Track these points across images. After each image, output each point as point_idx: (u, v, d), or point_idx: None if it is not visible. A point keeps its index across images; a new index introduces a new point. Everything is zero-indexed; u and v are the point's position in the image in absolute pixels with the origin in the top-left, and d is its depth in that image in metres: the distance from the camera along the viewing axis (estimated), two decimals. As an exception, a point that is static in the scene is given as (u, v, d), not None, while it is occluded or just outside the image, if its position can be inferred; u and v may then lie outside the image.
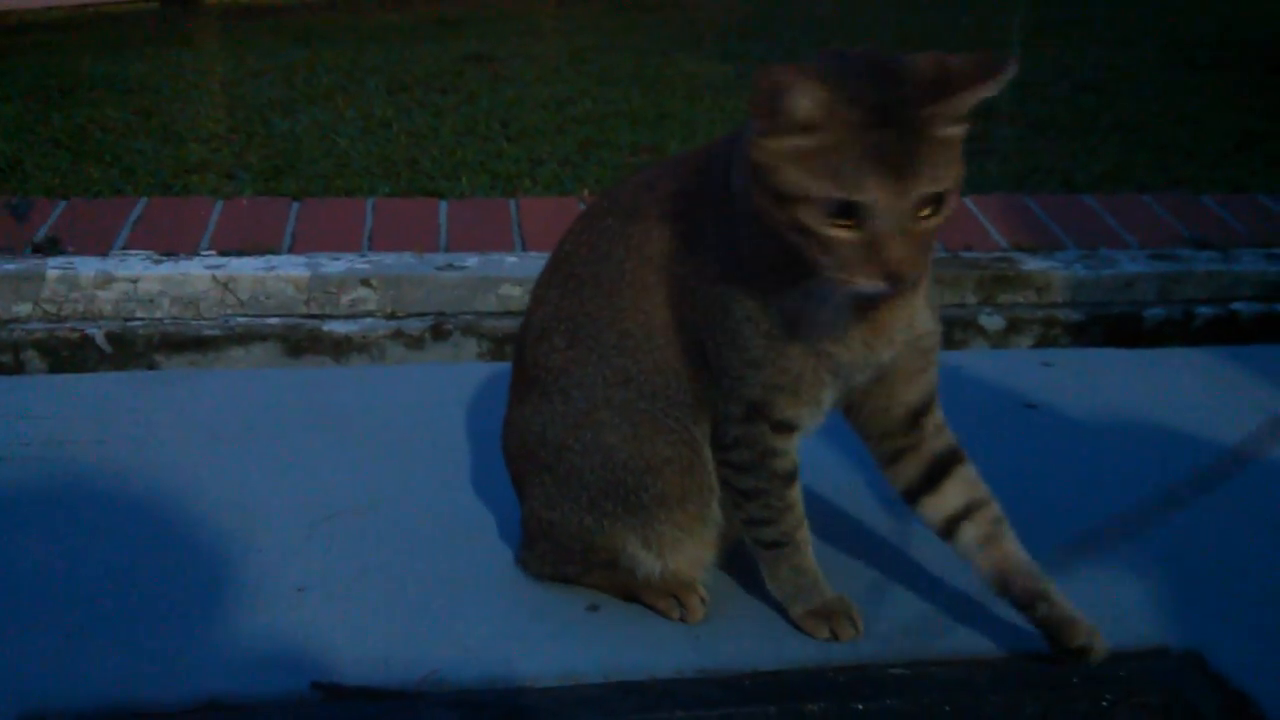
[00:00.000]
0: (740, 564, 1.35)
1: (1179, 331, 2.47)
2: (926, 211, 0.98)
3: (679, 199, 1.18)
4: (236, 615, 1.27)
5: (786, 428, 1.18)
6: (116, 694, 1.14)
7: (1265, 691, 1.13)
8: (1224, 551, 1.42)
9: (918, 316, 1.15)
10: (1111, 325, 2.45)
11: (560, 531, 1.26)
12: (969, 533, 1.23)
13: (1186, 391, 1.93)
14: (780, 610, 1.26)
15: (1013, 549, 1.23)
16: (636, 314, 1.19)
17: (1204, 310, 2.48)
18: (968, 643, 1.23)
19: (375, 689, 1.15)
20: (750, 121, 1.02)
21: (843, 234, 0.98)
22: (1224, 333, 2.48)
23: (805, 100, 0.95)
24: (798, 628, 1.24)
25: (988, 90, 0.97)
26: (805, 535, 1.24)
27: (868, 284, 0.99)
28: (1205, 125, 3.93)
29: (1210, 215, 2.82)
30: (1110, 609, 1.29)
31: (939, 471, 1.24)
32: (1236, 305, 2.50)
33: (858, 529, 1.47)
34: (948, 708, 1.11)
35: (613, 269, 1.20)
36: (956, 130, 0.99)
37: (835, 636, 1.23)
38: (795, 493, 1.22)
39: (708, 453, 1.22)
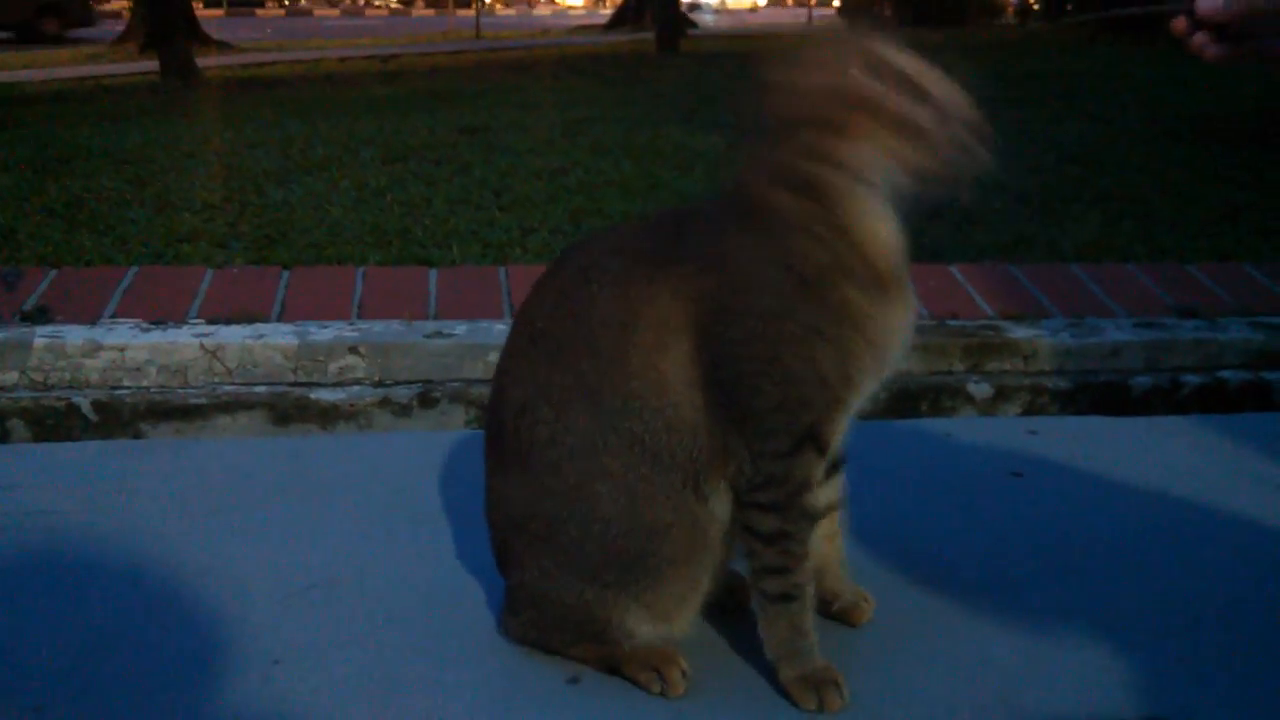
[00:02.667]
0: (716, 635, 1.34)
1: (1166, 400, 2.48)
2: None
3: (690, 256, 1.19)
4: (212, 689, 1.25)
5: (825, 449, 1.21)
6: (85, 769, 1.11)
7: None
8: (1202, 619, 1.41)
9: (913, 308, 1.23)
10: (1099, 393, 2.46)
11: (555, 603, 1.25)
12: (822, 527, 1.30)
13: (1174, 460, 1.93)
14: (768, 673, 1.24)
15: (840, 545, 1.37)
16: (647, 374, 1.18)
17: (1190, 378, 2.50)
18: (946, 714, 1.21)
19: (350, 764, 1.12)
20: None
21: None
22: (1211, 401, 2.48)
23: None
24: (785, 693, 1.22)
25: None
26: (812, 592, 1.23)
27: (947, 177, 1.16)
28: (1189, 196, 3.99)
29: (1196, 284, 2.85)
30: (1092, 677, 1.27)
31: (833, 468, 1.31)
32: (1223, 373, 2.52)
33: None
34: (932, 783, 1.09)
35: (613, 335, 1.19)
36: None
37: (823, 707, 1.21)
38: (813, 540, 1.23)
39: (710, 508, 1.22)
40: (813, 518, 1.22)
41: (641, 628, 1.23)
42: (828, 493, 1.31)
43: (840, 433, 1.23)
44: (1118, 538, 1.62)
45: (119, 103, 6.76)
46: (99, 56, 11.78)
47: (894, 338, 1.19)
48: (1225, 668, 1.30)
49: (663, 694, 1.24)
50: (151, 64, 9.28)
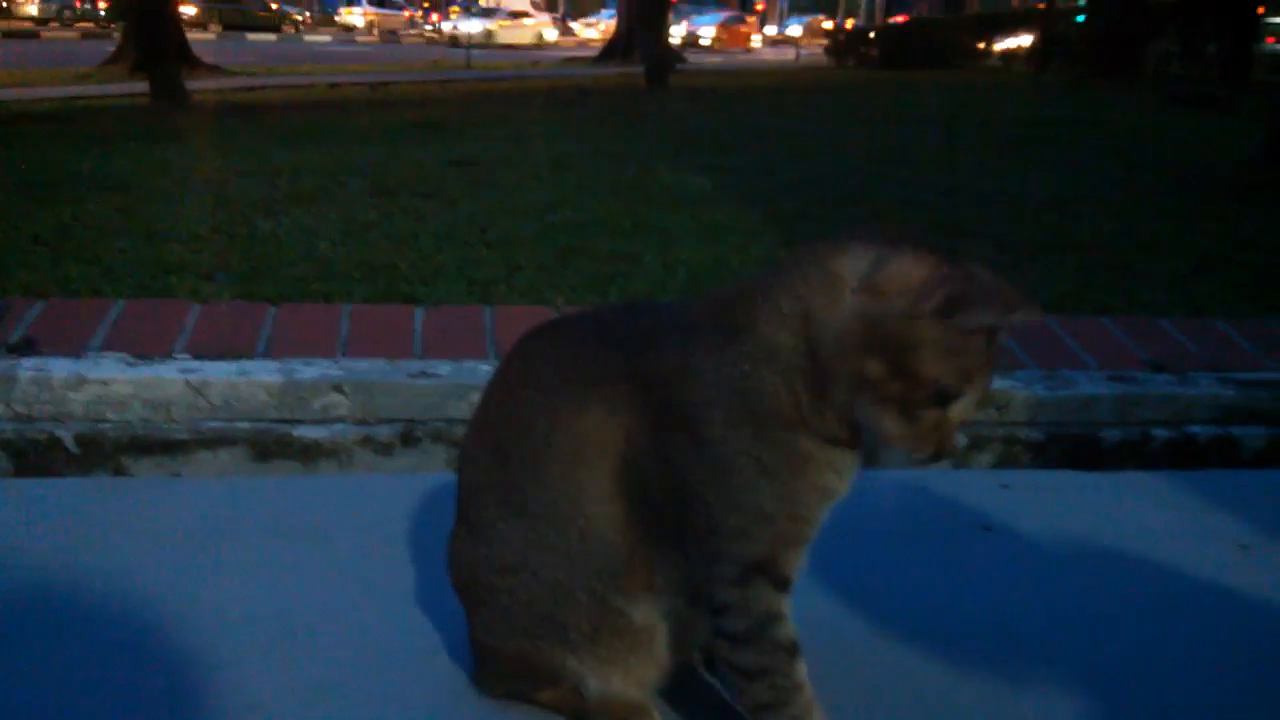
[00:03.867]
0: (690, 692, 1.36)
1: (1136, 452, 2.53)
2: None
3: (637, 371, 1.17)
4: (189, 732, 1.26)
5: (785, 584, 1.17)
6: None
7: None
8: (1168, 677, 1.44)
9: None
10: (1070, 445, 2.50)
11: (501, 655, 1.29)
12: None
13: (1142, 518, 1.97)
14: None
15: None
16: (566, 487, 1.19)
17: (1160, 432, 2.54)
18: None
19: (324, 812, 1.14)
20: (876, 299, 1.06)
21: (929, 414, 1.08)
22: (1180, 455, 2.53)
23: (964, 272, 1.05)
24: None
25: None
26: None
27: (922, 455, 1.10)
28: (1164, 247, 4.07)
29: (1168, 338, 2.90)
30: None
31: None
32: (1192, 428, 2.57)
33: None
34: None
35: (537, 443, 1.21)
36: None
37: None
38: (802, 671, 1.18)
39: (629, 612, 1.21)
40: (791, 651, 1.17)
41: (587, 679, 1.25)
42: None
43: (796, 567, 1.17)
44: (1083, 597, 1.66)
45: (108, 125, 6.78)
46: (87, 77, 11.80)
47: (844, 482, 1.16)
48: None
49: (635, 745, 1.27)
50: (141, 86, 9.31)
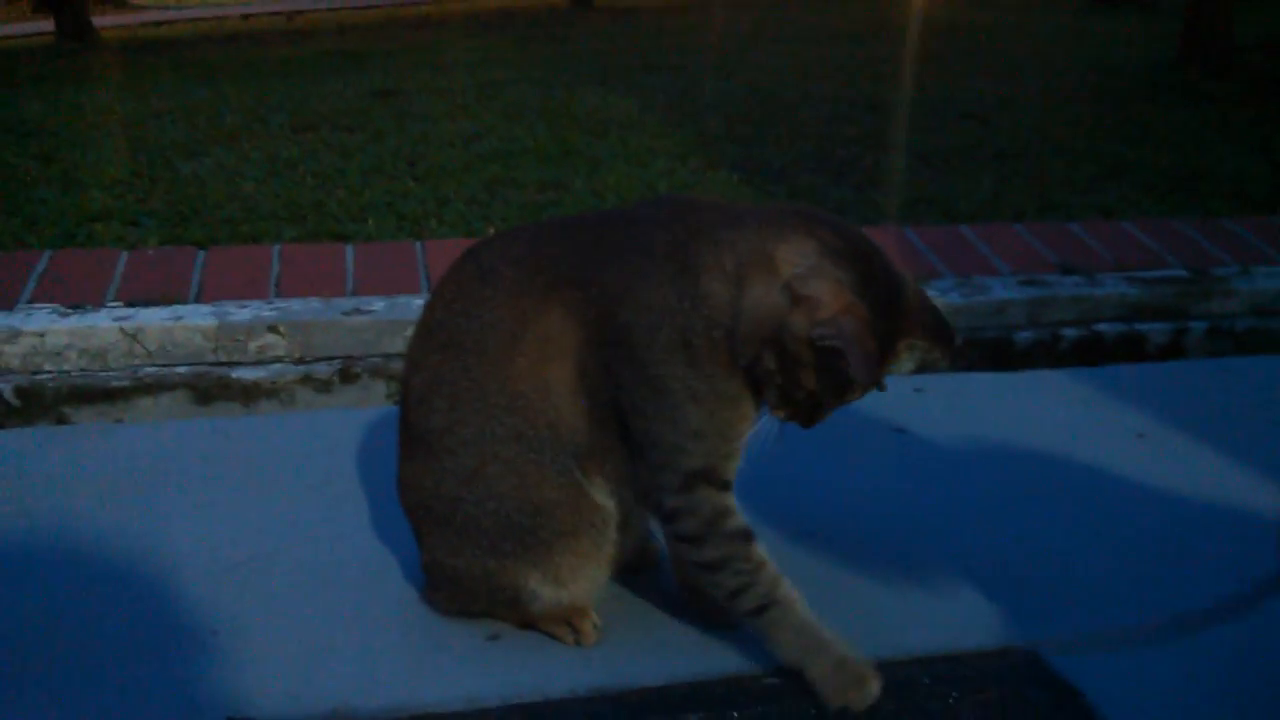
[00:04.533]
0: (624, 589, 1.46)
1: (1047, 352, 2.66)
2: None
3: (595, 279, 1.24)
4: (154, 659, 1.33)
5: (726, 485, 1.27)
6: (36, 741, 1.20)
7: (1092, 686, 1.28)
8: (1059, 558, 1.57)
9: None
10: (985, 348, 2.62)
11: (464, 576, 1.35)
12: None
13: (1049, 413, 2.09)
14: (673, 621, 1.34)
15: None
16: (534, 380, 1.26)
17: (1069, 332, 2.68)
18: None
19: (287, 723, 1.23)
20: (791, 311, 1.19)
21: (806, 401, 1.22)
22: (1088, 352, 2.67)
23: (860, 328, 1.16)
24: (821, 696, 1.24)
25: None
26: (790, 592, 1.27)
27: (797, 421, 1.26)
28: (1079, 153, 4.19)
29: (1078, 242, 3.03)
30: (958, 613, 1.43)
31: None
32: (1100, 326, 2.70)
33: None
34: (813, 711, 1.23)
35: (502, 339, 1.27)
36: None
37: (848, 708, 1.23)
38: (759, 551, 1.27)
39: (594, 494, 1.31)
40: (744, 537, 1.26)
41: (544, 590, 1.34)
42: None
43: (735, 469, 1.28)
44: (990, 490, 1.78)
45: (14, 68, 6.56)
46: (-12, 16, 11.31)
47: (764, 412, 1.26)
48: (1074, 601, 1.47)
49: (577, 643, 1.37)
50: (46, 24, 8.97)
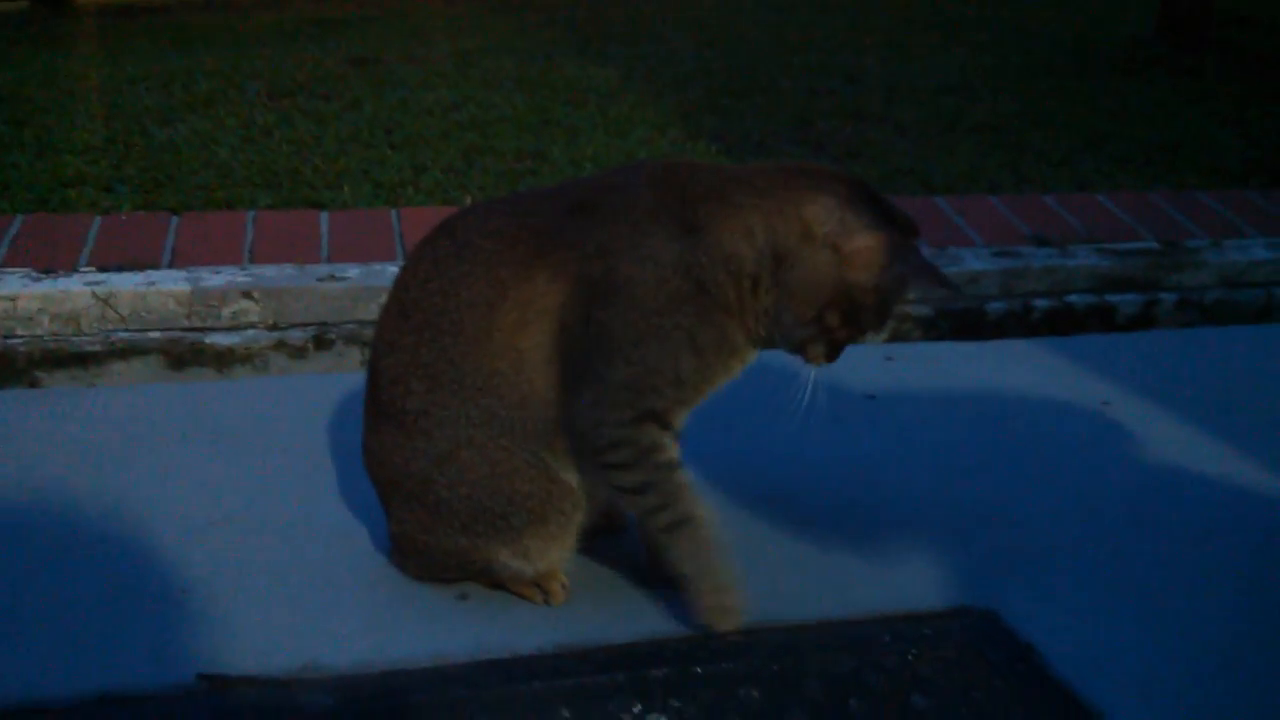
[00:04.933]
0: (593, 554, 1.48)
1: (1019, 323, 2.69)
2: None
3: (585, 239, 1.27)
4: (125, 617, 1.34)
5: (670, 429, 1.32)
6: (10, 694, 1.21)
7: (1046, 642, 1.31)
8: (1021, 521, 1.60)
9: None
10: (957, 319, 2.65)
11: (436, 550, 1.37)
12: None
13: (1018, 381, 2.12)
14: (637, 584, 1.37)
15: None
16: (507, 353, 1.28)
17: (1041, 303, 2.70)
18: (792, 608, 1.38)
19: (258, 677, 1.24)
20: (845, 265, 1.26)
21: (841, 334, 1.30)
22: (1059, 322, 2.70)
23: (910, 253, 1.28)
24: (691, 609, 1.32)
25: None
26: (705, 514, 1.32)
27: (821, 363, 1.33)
28: (1057, 125, 4.20)
29: (1052, 214, 3.05)
30: (920, 574, 1.46)
31: None
32: (1070, 297, 2.73)
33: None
34: (775, 667, 1.25)
35: (478, 315, 1.28)
36: None
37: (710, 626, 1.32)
38: (684, 477, 1.32)
39: (562, 475, 1.33)
40: (671, 466, 1.31)
41: (514, 563, 1.36)
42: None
43: (682, 421, 1.34)
44: (955, 455, 1.81)
45: (-13, 34, 6.46)
46: (-40, -20, 11.11)
47: (741, 369, 1.35)
48: (1034, 562, 1.50)
49: (545, 603, 1.39)
50: (19, -11, 8.82)
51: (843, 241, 1.25)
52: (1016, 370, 2.18)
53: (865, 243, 1.25)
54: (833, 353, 1.33)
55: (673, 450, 1.32)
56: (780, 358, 1.35)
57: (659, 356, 1.26)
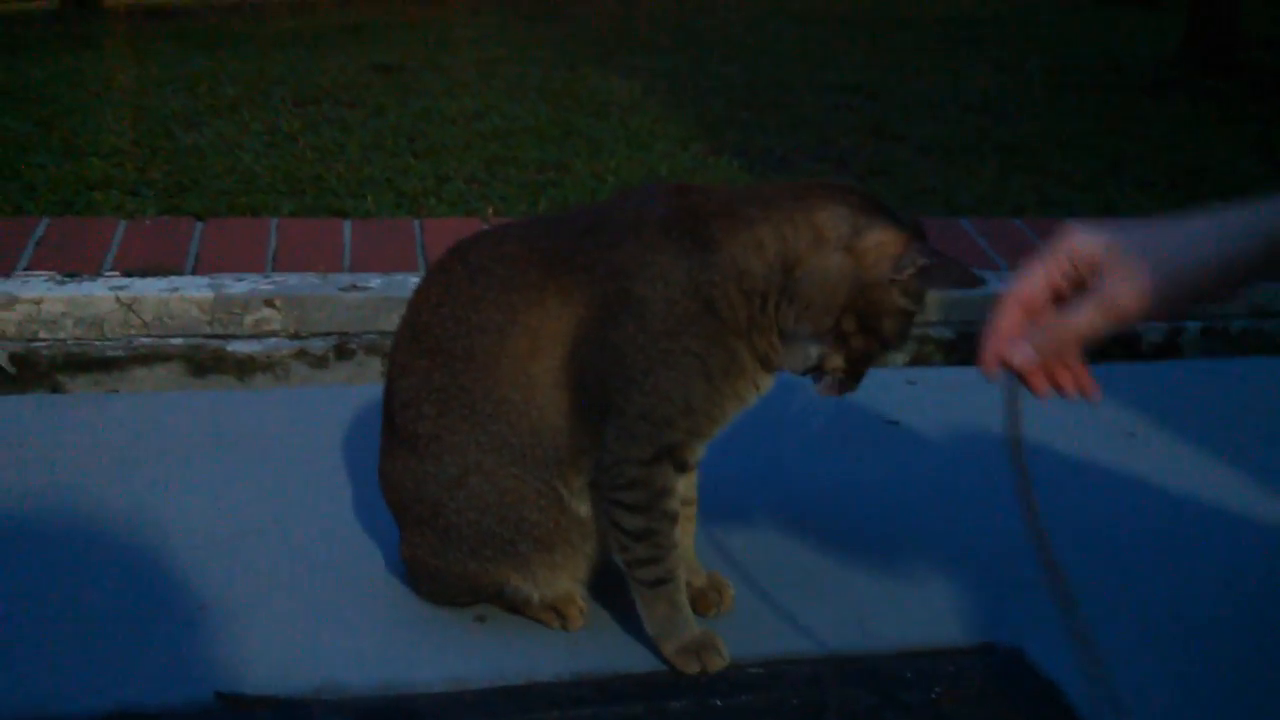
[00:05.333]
0: (611, 581, 1.46)
1: (1041, 348, 2.66)
2: None
3: (595, 262, 1.25)
4: (143, 632, 1.34)
5: (684, 467, 1.30)
6: (26, 706, 1.20)
7: (1071, 680, 1.29)
8: (1029, 553, 1.58)
9: None
10: (979, 341, 2.63)
11: (447, 574, 1.36)
12: None
13: (1040, 409, 2.09)
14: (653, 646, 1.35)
15: (689, 541, 1.43)
16: (518, 379, 1.27)
17: (1064, 328, 2.68)
18: (813, 641, 1.37)
19: (275, 697, 1.23)
20: (861, 265, 1.22)
21: (858, 344, 1.23)
22: (1084, 349, 2.67)
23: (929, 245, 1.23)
24: (671, 665, 1.31)
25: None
26: (683, 574, 1.33)
27: (837, 389, 1.27)
28: (1081, 147, 4.18)
29: (1076, 237, 3.03)
30: (943, 608, 1.44)
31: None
32: (1094, 323, 2.71)
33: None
34: (796, 701, 1.24)
35: (490, 340, 1.27)
36: None
37: (705, 670, 1.30)
38: (678, 534, 1.31)
39: (573, 505, 1.32)
40: (672, 518, 1.30)
41: (525, 588, 1.35)
42: (681, 487, 1.37)
43: (698, 455, 1.32)
44: (979, 485, 1.79)
45: (16, 33, 6.51)
46: (-10, -23, 11.22)
47: (756, 397, 1.30)
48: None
49: (562, 628, 1.38)
50: (48, -12, 8.89)
51: (855, 241, 1.21)
52: (1038, 398, 2.15)
53: (879, 238, 1.20)
54: (852, 370, 1.25)
55: (677, 500, 1.31)
56: (803, 381, 1.33)
57: (670, 382, 1.23)
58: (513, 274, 1.28)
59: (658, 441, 1.25)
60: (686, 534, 1.41)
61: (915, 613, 1.43)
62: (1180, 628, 1.44)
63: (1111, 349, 2.69)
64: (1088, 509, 1.73)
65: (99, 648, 1.31)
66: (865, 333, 1.22)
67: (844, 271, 1.21)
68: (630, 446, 1.26)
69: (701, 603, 1.41)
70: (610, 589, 1.44)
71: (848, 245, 1.20)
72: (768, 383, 1.31)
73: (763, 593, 1.46)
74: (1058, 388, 1.07)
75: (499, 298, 1.27)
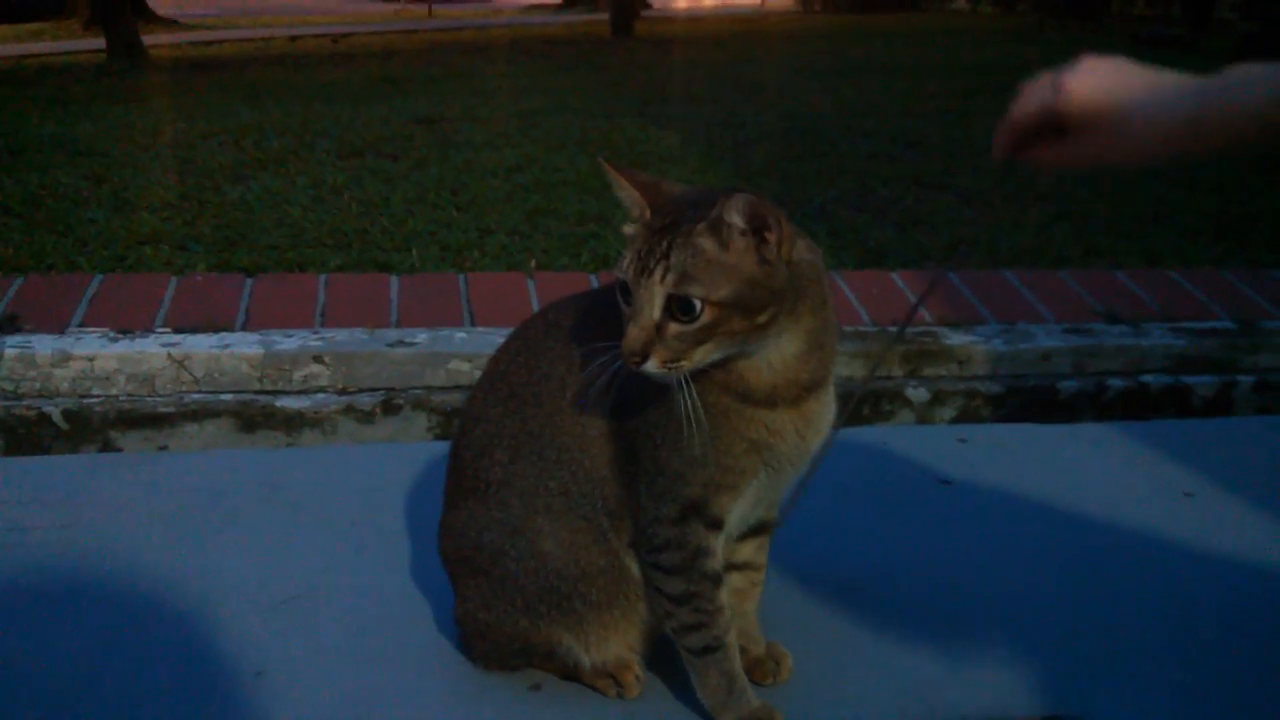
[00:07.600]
0: (669, 651, 1.44)
1: (1091, 402, 2.63)
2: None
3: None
4: (200, 701, 1.33)
5: (718, 525, 1.26)
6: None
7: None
8: (1107, 622, 1.55)
9: (831, 409, 1.27)
10: (1028, 396, 2.60)
11: (497, 632, 1.35)
12: (734, 581, 1.37)
13: (1095, 468, 2.07)
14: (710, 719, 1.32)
15: (751, 607, 1.41)
16: (574, 427, 1.28)
17: (1115, 382, 2.65)
18: (871, 712, 1.34)
19: (330, 770, 1.22)
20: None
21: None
22: (1134, 403, 2.64)
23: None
24: None
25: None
26: (734, 640, 1.31)
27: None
28: (1123, 196, 4.15)
29: (1123, 289, 3.00)
30: (1003, 676, 1.41)
31: (754, 532, 1.36)
32: (1145, 378, 2.67)
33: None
34: (860, 778, 1.21)
35: (554, 387, 1.30)
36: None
37: None
38: (724, 596, 1.28)
39: (628, 560, 1.31)
40: (715, 580, 1.27)
41: (578, 649, 1.34)
42: (745, 551, 1.37)
43: (734, 512, 1.26)
44: (1036, 548, 1.76)
45: (66, 86, 6.68)
46: (41, 33, 11.56)
47: (784, 440, 1.22)
48: (1125, 669, 1.44)
49: (619, 696, 1.36)
50: (96, 41, 9.14)
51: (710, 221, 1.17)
52: (1093, 456, 2.13)
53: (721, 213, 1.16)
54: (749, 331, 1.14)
55: (718, 561, 1.27)
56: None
57: (676, 438, 1.20)
58: (579, 328, 1.31)
59: (680, 498, 1.23)
60: (750, 599, 1.40)
61: (976, 682, 1.40)
62: (1251, 699, 1.40)
63: (1161, 402, 2.65)
64: (1150, 573, 1.69)
65: (155, 714, 1.30)
66: (739, 311, 1.13)
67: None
68: (659, 505, 1.25)
69: (757, 672, 1.39)
70: (667, 659, 1.43)
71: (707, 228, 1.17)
72: (789, 421, 1.21)
73: (820, 663, 1.44)
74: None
75: (565, 349, 1.30)
